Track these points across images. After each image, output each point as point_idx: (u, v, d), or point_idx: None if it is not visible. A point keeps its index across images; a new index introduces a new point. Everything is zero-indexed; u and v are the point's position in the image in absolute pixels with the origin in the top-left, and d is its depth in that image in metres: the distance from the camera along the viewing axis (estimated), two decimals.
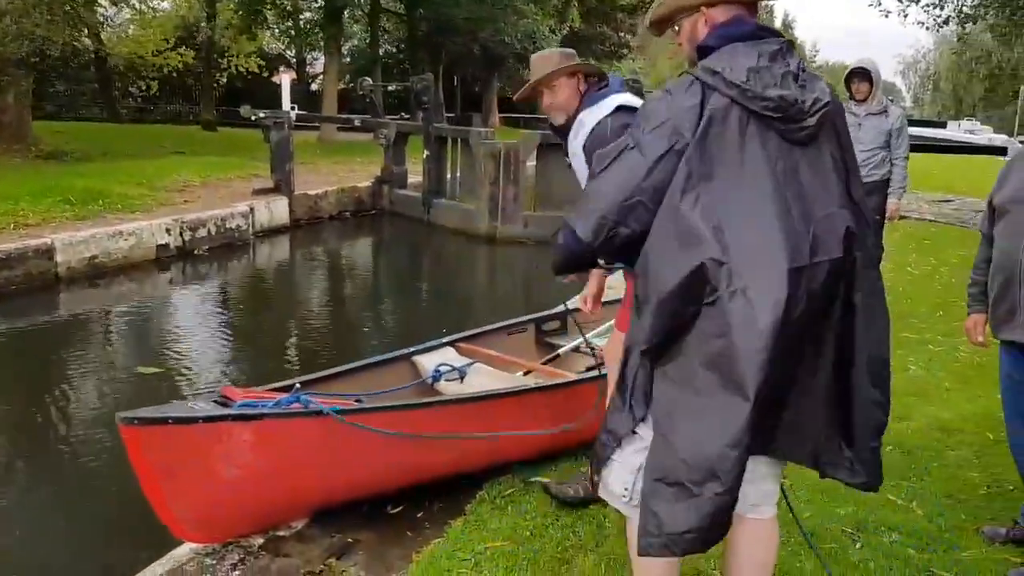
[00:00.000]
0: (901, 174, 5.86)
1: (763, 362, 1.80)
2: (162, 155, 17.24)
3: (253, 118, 13.90)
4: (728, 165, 1.89)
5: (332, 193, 14.72)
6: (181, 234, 10.68)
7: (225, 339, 7.65)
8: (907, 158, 5.88)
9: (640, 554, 1.94)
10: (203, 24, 28.10)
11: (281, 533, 3.19)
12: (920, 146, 8.43)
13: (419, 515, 3.39)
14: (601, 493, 2.16)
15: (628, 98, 3.03)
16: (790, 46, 2.02)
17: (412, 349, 4.28)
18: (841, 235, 1.91)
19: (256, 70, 29.55)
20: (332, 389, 3.64)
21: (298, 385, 3.18)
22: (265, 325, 8.44)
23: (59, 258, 8.92)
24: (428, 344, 4.34)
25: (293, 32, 35.00)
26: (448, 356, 4.25)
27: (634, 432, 2.01)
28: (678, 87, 1.97)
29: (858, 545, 3.05)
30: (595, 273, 3.42)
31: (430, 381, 4.02)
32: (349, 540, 3.18)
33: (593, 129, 2.98)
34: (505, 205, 12.52)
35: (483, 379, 4.05)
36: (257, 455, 2.86)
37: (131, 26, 27.75)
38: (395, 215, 15.37)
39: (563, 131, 3.20)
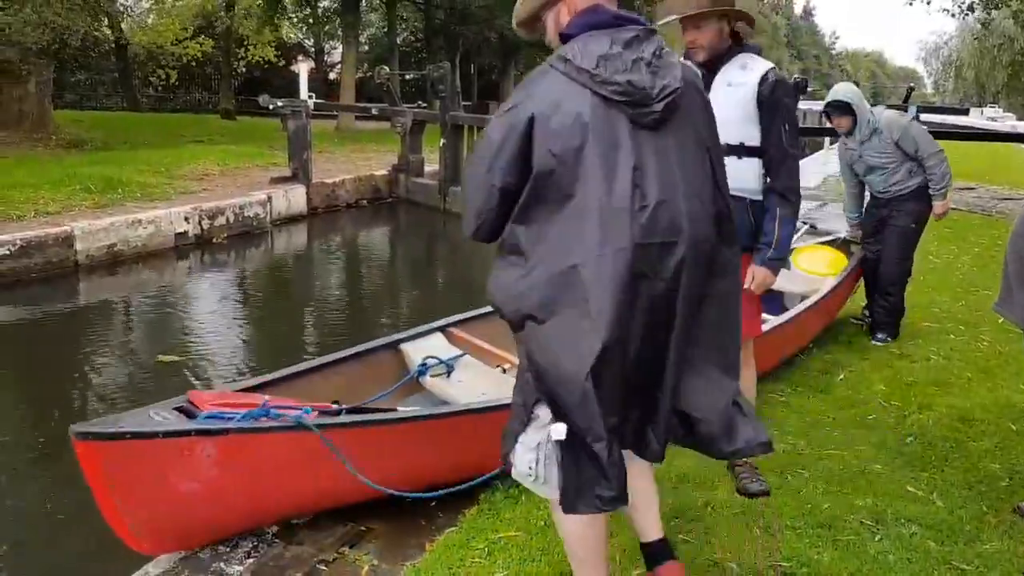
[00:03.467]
0: (938, 172, 5.19)
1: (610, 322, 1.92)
2: (181, 144, 17.31)
3: (271, 107, 13.90)
4: (573, 148, 1.95)
5: (349, 181, 14.73)
6: (200, 222, 10.72)
7: (243, 327, 7.67)
8: (937, 152, 5.21)
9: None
10: (222, 13, 28.16)
11: (295, 521, 3.19)
12: (941, 134, 8.29)
13: (432, 504, 3.38)
14: (513, 475, 2.22)
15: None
16: (649, 33, 2.08)
17: (400, 336, 4.19)
18: (690, 217, 1.99)
19: (274, 59, 29.63)
20: (314, 385, 3.56)
21: (267, 400, 3.00)
22: (283, 313, 8.46)
23: (79, 246, 8.97)
24: (418, 330, 4.25)
25: (311, 21, 35.03)
26: (437, 344, 4.16)
27: (532, 413, 2.08)
28: (533, 75, 2.07)
29: (877, 537, 3.01)
30: None
31: (416, 376, 3.96)
32: (363, 528, 3.18)
33: (776, 75, 3.02)
34: None
35: (470, 375, 4.04)
36: (222, 470, 2.77)
37: (151, 15, 27.88)
38: (412, 203, 15.36)
39: (706, 67, 3.12)
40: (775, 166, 3.04)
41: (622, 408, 2.04)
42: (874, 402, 4.37)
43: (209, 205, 11.04)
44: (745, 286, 3.03)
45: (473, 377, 4.03)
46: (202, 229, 10.74)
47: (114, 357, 6.66)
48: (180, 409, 2.84)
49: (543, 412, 2.05)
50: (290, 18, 34.67)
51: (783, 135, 3.01)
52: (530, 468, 2.11)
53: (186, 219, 10.51)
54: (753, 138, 3.06)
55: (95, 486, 2.57)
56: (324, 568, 2.89)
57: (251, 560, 2.95)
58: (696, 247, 2.00)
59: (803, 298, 5.27)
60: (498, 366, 4.18)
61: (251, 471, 2.85)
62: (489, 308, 2.44)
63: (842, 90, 5.24)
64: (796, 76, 8.87)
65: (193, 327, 7.63)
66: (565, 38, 2.08)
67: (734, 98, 3.05)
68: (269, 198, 12.19)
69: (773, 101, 3.01)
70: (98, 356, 6.69)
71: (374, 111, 17.78)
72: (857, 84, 6.00)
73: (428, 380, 3.94)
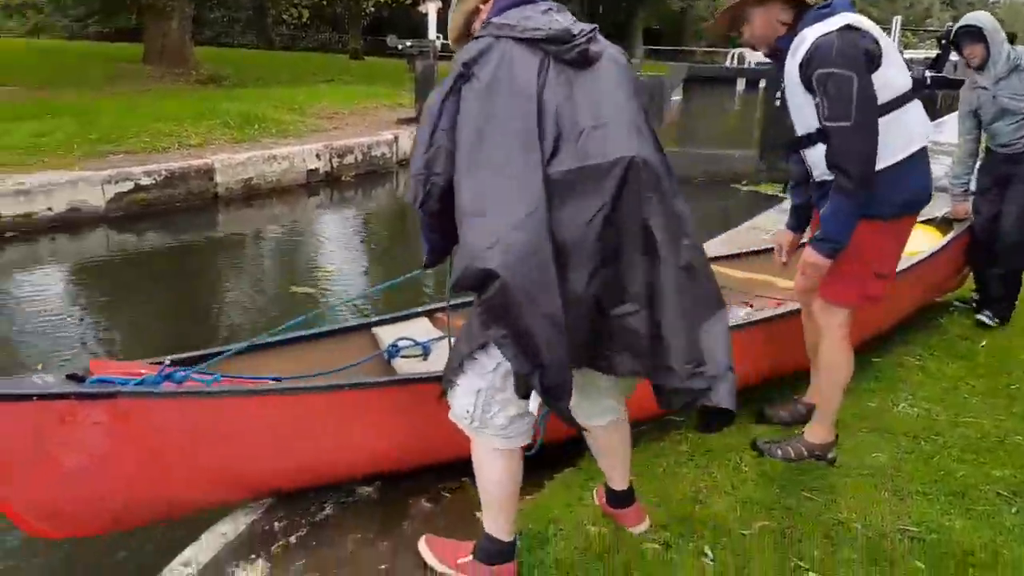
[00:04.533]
0: None
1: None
2: (312, 82, 17.75)
3: (399, 47, 14.09)
4: (504, 87, 2.07)
5: None
6: (330, 160, 11.02)
7: (368, 264, 7.90)
8: None
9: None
10: None
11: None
12: None
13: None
14: (450, 416, 2.32)
15: (857, 18, 2.81)
16: (561, 7, 2.28)
17: (376, 319, 3.68)
18: (621, 142, 2.05)
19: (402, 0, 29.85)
20: (268, 363, 3.12)
21: (166, 363, 2.66)
22: (405, 253, 8.65)
23: (218, 179, 9.38)
24: (397, 314, 3.71)
25: None
26: (420, 328, 3.58)
27: (473, 357, 2.15)
28: (468, 44, 2.20)
29: (1014, 509, 2.89)
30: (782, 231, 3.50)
31: (386, 357, 3.37)
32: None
33: (815, 44, 2.76)
34: None
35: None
36: (113, 441, 2.37)
37: None
38: None
39: (778, 59, 2.99)
40: (827, 141, 2.81)
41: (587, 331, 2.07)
42: (1019, 371, 4.15)
43: (339, 143, 11.33)
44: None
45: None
46: (332, 167, 11.05)
47: (249, 286, 6.99)
48: (72, 376, 2.43)
49: (485, 359, 2.14)
50: None
51: (824, 107, 2.75)
52: (467, 412, 2.24)
53: (317, 156, 10.83)
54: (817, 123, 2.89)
55: None
56: (447, 495, 2.98)
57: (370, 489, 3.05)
58: (640, 168, 2.05)
59: None
60: None
61: (149, 444, 2.45)
62: None
63: (974, 16, 4.66)
64: (948, 24, 8.23)
65: (322, 261, 7.91)
66: (486, 24, 2.24)
67: (794, 88, 2.90)
68: (395, 138, 12.40)
69: (808, 78, 2.79)
70: (234, 284, 7.04)
71: None
72: (1013, 38, 5.11)
73: (399, 362, 3.36)
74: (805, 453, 3.24)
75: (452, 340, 2.41)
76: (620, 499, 2.73)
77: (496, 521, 2.42)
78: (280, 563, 2.59)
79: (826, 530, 2.80)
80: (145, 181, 8.61)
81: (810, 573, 2.58)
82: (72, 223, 7.93)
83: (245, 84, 16.99)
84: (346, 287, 6.92)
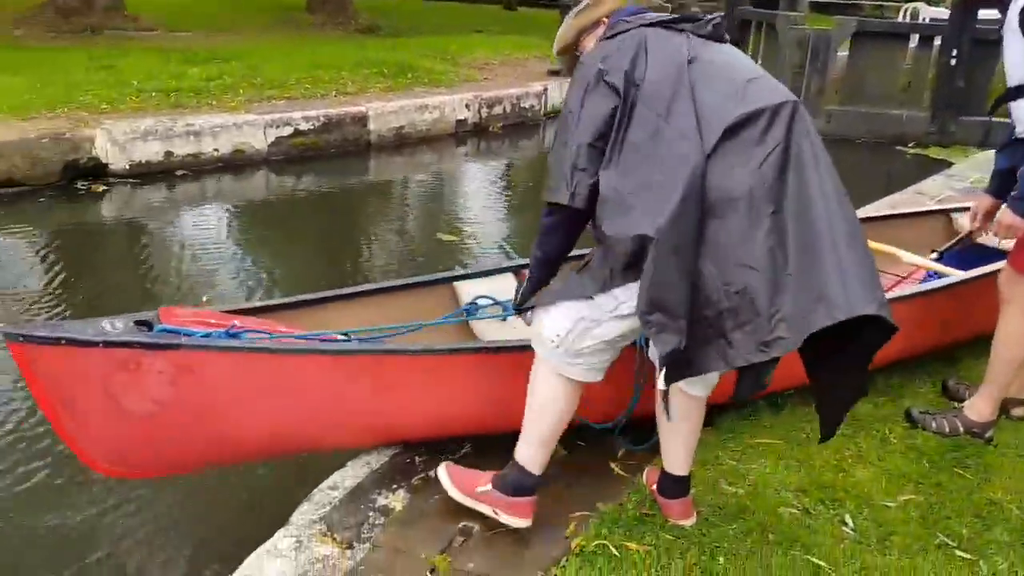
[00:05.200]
0: None
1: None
2: (464, 32, 17.88)
3: None
4: (650, 59, 2.16)
5: None
6: (479, 110, 11.11)
7: (514, 216, 7.98)
8: None
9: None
10: None
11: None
12: None
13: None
14: (532, 337, 2.37)
15: None
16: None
17: (460, 273, 3.50)
18: (780, 90, 2.12)
19: None
20: (344, 315, 3.07)
21: (236, 322, 2.62)
22: None
23: (371, 126, 9.64)
24: (483, 269, 3.50)
25: None
26: (503, 287, 3.35)
27: (592, 298, 2.20)
28: (604, 45, 2.30)
29: None
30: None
31: (465, 317, 3.23)
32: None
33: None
34: (807, 97, 11.71)
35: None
36: (175, 390, 2.41)
37: None
38: None
39: (998, 7, 2.86)
40: None
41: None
42: None
43: (488, 94, 11.40)
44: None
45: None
46: (480, 117, 11.14)
47: (397, 230, 7.21)
48: (141, 322, 2.50)
49: (604, 298, 2.18)
50: None
51: None
52: (557, 335, 2.25)
53: (467, 106, 10.93)
54: None
55: (35, 393, 2.32)
56: (582, 444, 3.00)
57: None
58: (803, 112, 2.08)
59: None
60: None
61: (210, 395, 2.49)
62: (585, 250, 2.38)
63: None
64: None
65: (469, 210, 8.04)
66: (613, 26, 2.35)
67: (1012, 36, 2.72)
68: (545, 90, 12.35)
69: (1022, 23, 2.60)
70: (383, 228, 7.27)
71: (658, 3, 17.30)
72: None
73: (477, 324, 3.28)
74: (961, 429, 3.08)
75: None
76: (674, 487, 2.55)
77: (532, 451, 2.43)
78: (419, 493, 2.69)
79: (977, 509, 2.66)
80: (304, 126, 8.94)
81: (957, 551, 2.47)
82: (236, 164, 8.35)
83: (400, 33, 17.30)
84: (489, 235, 7.02)
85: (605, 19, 2.40)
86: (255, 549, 2.43)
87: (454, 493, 2.55)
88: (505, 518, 2.46)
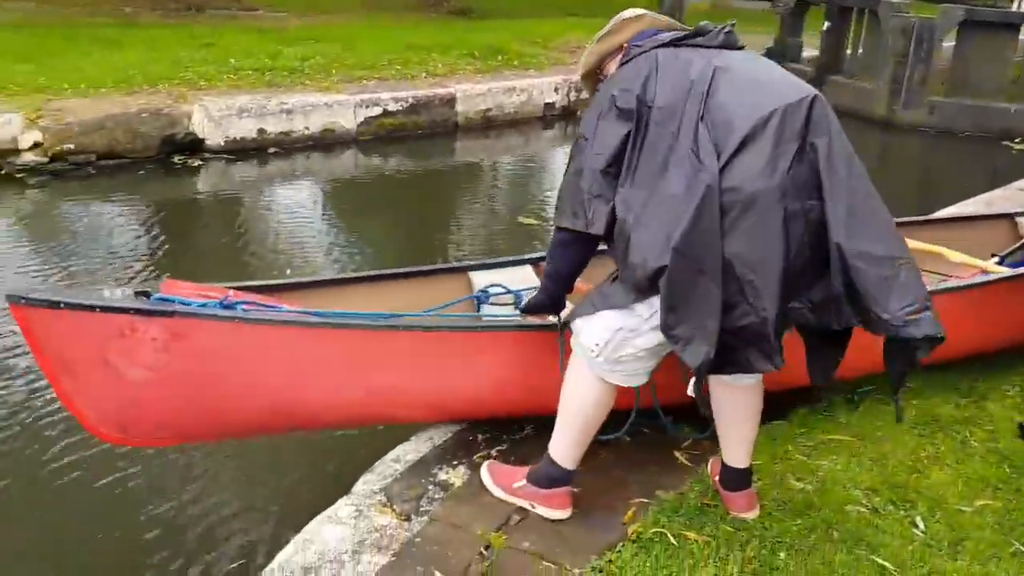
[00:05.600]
0: None
1: None
2: (556, 16, 17.79)
3: None
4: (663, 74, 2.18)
5: None
6: (568, 94, 11.06)
7: None
8: None
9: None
10: None
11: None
12: None
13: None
14: (573, 343, 2.37)
15: None
16: None
17: (476, 262, 3.46)
18: (800, 85, 2.12)
19: None
20: (352, 297, 3.05)
21: (230, 293, 2.62)
22: None
23: (459, 108, 9.71)
24: (500, 259, 3.45)
25: None
26: (520, 277, 3.30)
27: (630, 307, 2.19)
28: (623, 70, 2.32)
29: None
30: None
31: (478, 304, 3.17)
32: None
33: None
34: (910, 87, 11.26)
35: None
36: (170, 357, 2.40)
37: None
38: None
39: None
40: None
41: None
42: None
43: (577, 77, 11.31)
44: None
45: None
46: (569, 101, 11.09)
47: (480, 212, 7.25)
48: (140, 293, 2.52)
49: (641, 307, 2.16)
50: None
51: None
52: (596, 344, 2.25)
53: (555, 90, 10.90)
54: None
55: (36, 355, 2.36)
56: (647, 431, 2.97)
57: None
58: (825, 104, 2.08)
59: None
60: None
61: (207, 364, 2.48)
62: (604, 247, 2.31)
63: None
64: None
65: (551, 194, 8.02)
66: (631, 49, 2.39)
67: None
68: None
69: None
70: (466, 209, 7.33)
71: None
72: None
73: (488, 309, 3.17)
74: None
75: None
76: (737, 479, 2.51)
77: (566, 448, 2.44)
78: (479, 471, 2.71)
79: None
80: (393, 107, 9.06)
81: None
82: (325, 143, 8.52)
83: (492, 16, 17.33)
84: None
85: (626, 44, 2.42)
86: (316, 515, 2.49)
87: (494, 490, 2.59)
88: (541, 510, 2.48)
